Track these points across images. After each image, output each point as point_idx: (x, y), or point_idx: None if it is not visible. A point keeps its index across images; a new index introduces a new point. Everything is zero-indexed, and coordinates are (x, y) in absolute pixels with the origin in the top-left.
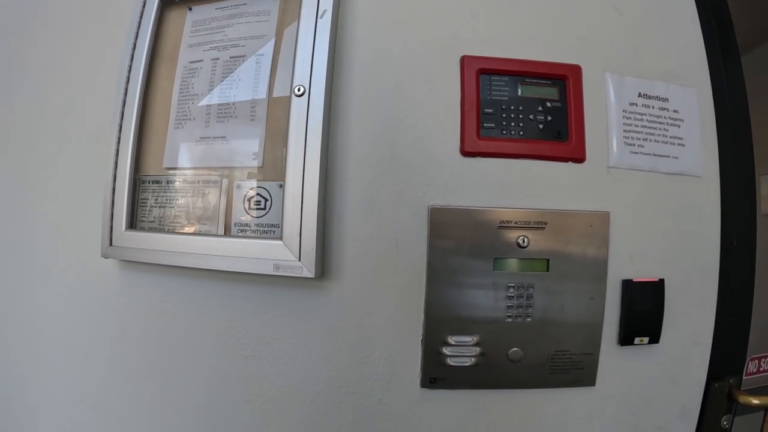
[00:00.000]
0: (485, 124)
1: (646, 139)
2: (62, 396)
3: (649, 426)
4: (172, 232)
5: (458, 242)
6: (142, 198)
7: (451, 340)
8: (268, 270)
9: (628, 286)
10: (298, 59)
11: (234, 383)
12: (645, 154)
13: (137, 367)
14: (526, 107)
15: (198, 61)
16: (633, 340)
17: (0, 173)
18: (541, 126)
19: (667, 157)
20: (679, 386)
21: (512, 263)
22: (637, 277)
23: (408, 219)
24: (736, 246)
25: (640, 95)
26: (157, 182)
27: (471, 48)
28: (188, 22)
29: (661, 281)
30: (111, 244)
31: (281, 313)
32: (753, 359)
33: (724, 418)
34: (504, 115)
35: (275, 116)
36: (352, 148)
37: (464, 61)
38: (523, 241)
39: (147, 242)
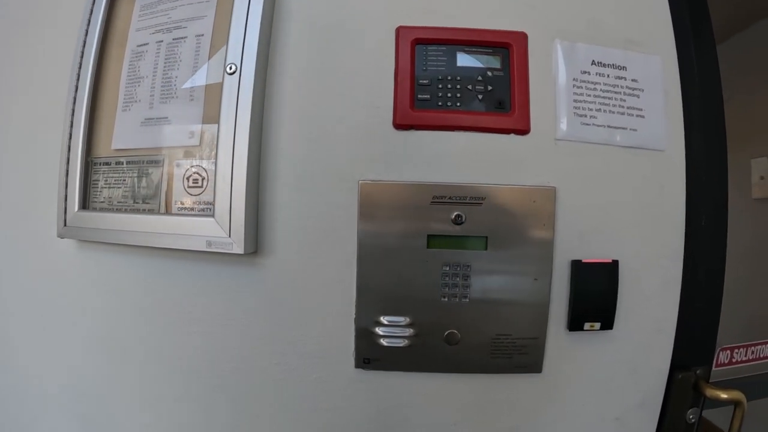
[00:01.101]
0: (419, 96)
1: (600, 109)
2: (24, 372)
3: (606, 416)
4: (120, 211)
5: (389, 219)
6: (94, 179)
7: (384, 320)
8: (202, 246)
9: (577, 266)
10: (231, 37)
11: (179, 359)
12: (598, 125)
13: (97, 344)
14: (465, 77)
15: (144, 45)
16: (583, 326)
17: None
18: (480, 96)
19: (623, 129)
20: (638, 376)
21: (447, 241)
22: (588, 258)
23: (340, 195)
24: (704, 226)
25: (593, 63)
26: (107, 164)
27: (409, 18)
28: (137, 7)
29: (615, 262)
30: (65, 225)
31: (219, 290)
32: (724, 349)
33: (689, 411)
34: (440, 86)
35: (212, 95)
36: (285, 125)
37: (399, 32)
38: (459, 218)
39: (96, 222)
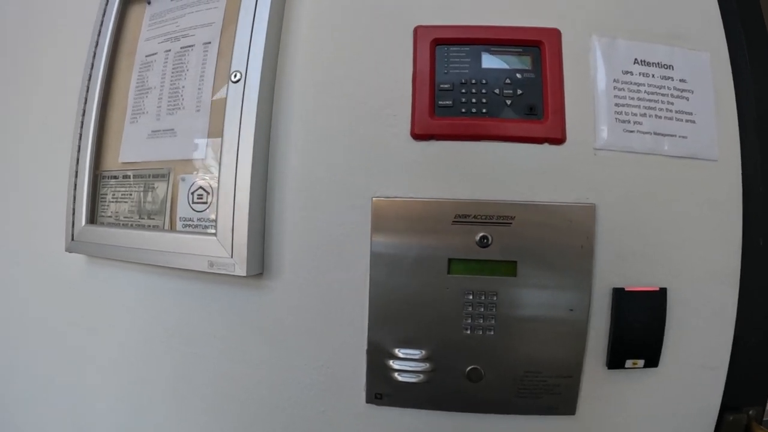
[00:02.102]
0: (440, 102)
1: (645, 114)
2: (31, 387)
3: None
4: (126, 227)
5: (406, 240)
6: (102, 193)
7: (399, 352)
8: (203, 267)
9: (619, 295)
10: (236, 44)
11: (179, 381)
12: (643, 132)
13: (105, 360)
14: (492, 80)
15: (153, 54)
16: (624, 363)
17: None
18: (509, 101)
19: (672, 136)
20: (684, 418)
21: (471, 266)
22: (632, 286)
23: (351, 213)
24: (762, 246)
25: (636, 62)
26: (115, 177)
27: (427, 17)
28: (147, 16)
29: (663, 291)
30: (73, 239)
31: (221, 311)
32: None
33: None
34: (464, 91)
35: (219, 107)
36: (293, 136)
37: (417, 32)
38: (485, 240)
39: (104, 237)
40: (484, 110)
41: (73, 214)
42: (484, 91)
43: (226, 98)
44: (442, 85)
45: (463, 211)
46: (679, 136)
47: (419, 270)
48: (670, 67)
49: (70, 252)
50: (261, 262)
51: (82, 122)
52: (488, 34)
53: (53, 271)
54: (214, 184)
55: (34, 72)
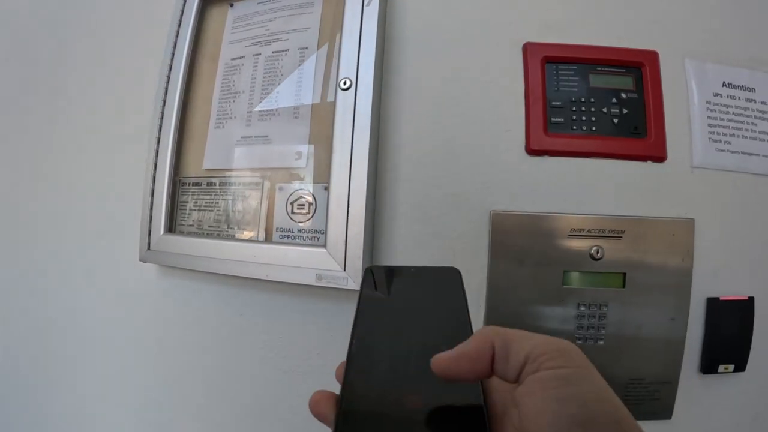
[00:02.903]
0: (553, 119)
1: (733, 134)
2: (101, 399)
3: None
4: (211, 237)
5: (523, 252)
6: (182, 201)
7: None
8: (310, 280)
9: (714, 304)
10: (343, 51)
11: (271, 399)
12: (732, 152)
13: (175, 375)
14: (599, 99)
15: (239, 58)
16: (717, 368)
17: (46, 173)
18: (615, 120)
19: (757, 155)
20: (764, 420)
21: (584, 277)
22: (724, 296)
23: (466, 226)
24: None
25: (724, 84)
26: (197, 184)
27: (534, 34)
28: (229, 19)
29: (751, 299)
30: (149, 248)
31: (324, 327)
32: None
33: None
34: (574, 109)
35: (320, 113)
36: (404, 147)
37: (527, 48)
38: (597, 252)
39: (185, 247)
40: (593, 128)
41: (150, 221)
42: (593, 109)
43: (335, 105)
44: (553, 103)
45: (579, 225)
46: (763, 155)
47: (536, 281)
48: (752, 89)
49: (144, 262)
50: None
51: (161, 126)
52: (594, 54)
53: (125, 282)
54: (317, 193)
55: (111, 75)
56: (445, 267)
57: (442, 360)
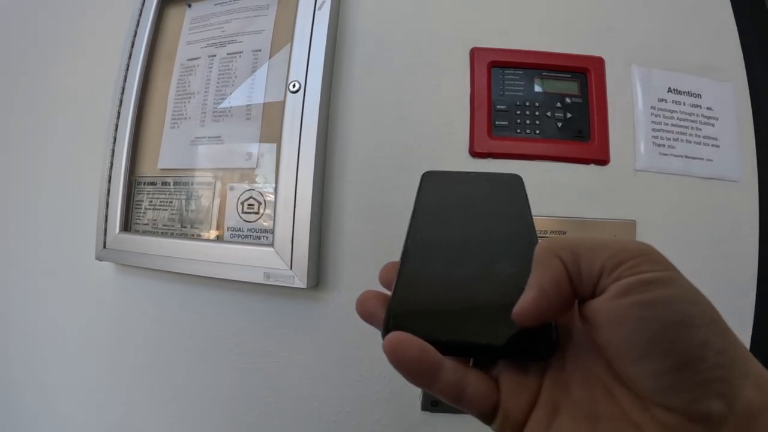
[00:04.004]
0: (497, 122)
1: (677, 139)
2: (58, 398)
3: None
4: (165, 235)
5: None
6: (137, 200)
7: None
8: (259, 279)
9: None
10: (294, 54)
11: (228, 396)
12: (676, 155)
13: (132, 373)
14: (543, 103)
15: (195, 59)
16: None
17: (2, 171)
18: (559, 124)
19: (700, 159)
20: None
21: None
22: None
23: None
24: None
25: (669, 90)
26: (153, 184)
27: (483, 39)
28: (187, 19)
29: None
30: (105, 247)
31: (275, 324)
32: None
33: None
34: (518, 112)
35: (271, 115)
36: (351, 148)
37: (474, 53)
38: None
39: (140, 246)
40: (537, 131)
41: (106, 220)
42: (537, 113)
43: (283, 107)
44: (498, 106)
45: None
46: (706, 159)
47: None
48: (698, 95)
49: (100, 260)
50: (317, 274)
51: (117, 125)
52: (540, 59)
53: (82, 279)
54: (267, 193)
55: (67, 74)
56: (506, 173)
57: (524, 312)
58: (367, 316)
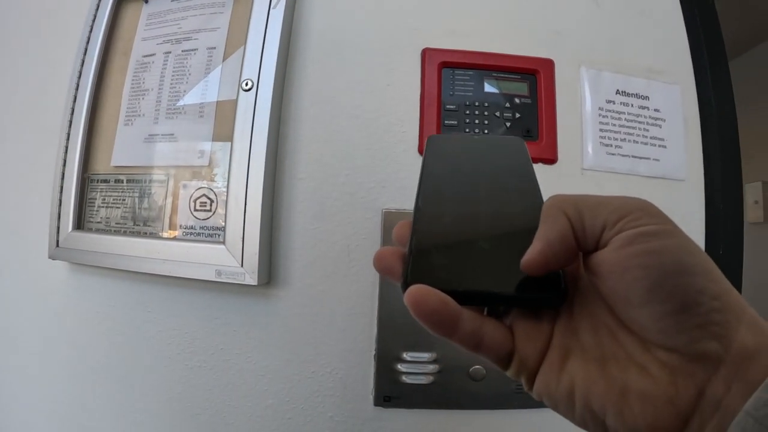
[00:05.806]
0: (446, 122)
1: (625, 139)
2: (11, 398)
3: None
4: (119, 233)
5: None
6: (90, 197)
7: (407, 356)
8: (210, 276)
9: None
10: (247, 52)
11: (180, 395)
12: (623, 155)
13: (86, 373)
14: (493, 104)
15: (150, 55)
16: None
17: None
18: (508, 124)
19: (647, 159)
20: None
21: None
22: None
23: (361, 223)
24: (722, 255)
25: (618, 92)
26: (106, 181)
27: (435, 40)
28: (143, 15)
29: None
30: (58, 245)
31: (227, 321)
32: None
33: None
34: (468, 112)
35: (224, 113)
36: (304, 147)
37: (425, 53)
38: None
39: (93, 244)
40: (486, 131)
41: (59, 218)
42: (486, 113)
43: (236, 106)
44: (448, 106)
45: None
46: (653, 159)
47: None
48: (646, 98)
49: (53, 259)
50: (269, 271)
51: (71, 122)
52: (491, 60)
53: (34, 279)
54: (219, 191)
55: (22, 68)
56: (508, 136)
57: (532, 262)
58: (384, 270)
